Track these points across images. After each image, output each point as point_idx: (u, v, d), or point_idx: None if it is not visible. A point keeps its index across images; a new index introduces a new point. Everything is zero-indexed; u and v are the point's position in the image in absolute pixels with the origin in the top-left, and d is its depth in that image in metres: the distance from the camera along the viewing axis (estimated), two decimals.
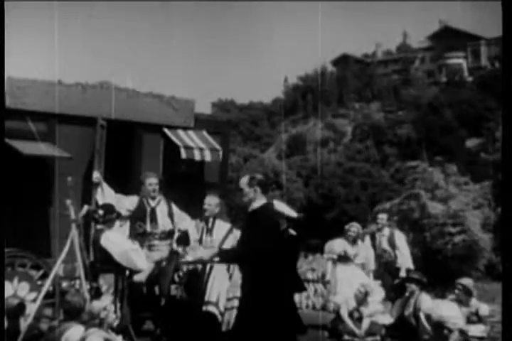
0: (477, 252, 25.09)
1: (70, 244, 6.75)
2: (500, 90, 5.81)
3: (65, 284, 7.02)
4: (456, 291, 8.27)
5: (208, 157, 8.97)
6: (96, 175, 7.80)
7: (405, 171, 32.16)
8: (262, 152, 56.25)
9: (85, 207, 6.94)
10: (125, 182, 8.26)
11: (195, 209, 8.25)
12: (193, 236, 7.49)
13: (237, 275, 7.22)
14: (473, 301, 8.37)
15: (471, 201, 26.64)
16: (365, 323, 8.36)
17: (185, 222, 7.68)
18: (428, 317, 7.62)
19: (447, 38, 63.33)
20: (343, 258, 9.18)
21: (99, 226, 6.75)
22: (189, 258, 6.83)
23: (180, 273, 7.34)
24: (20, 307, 6.61)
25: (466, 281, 8.55)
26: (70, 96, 8.00)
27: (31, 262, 6.99)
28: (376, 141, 51.70)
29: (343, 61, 67.75)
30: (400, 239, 9.58)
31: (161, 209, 7.56)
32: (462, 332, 7.32)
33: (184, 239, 7.47)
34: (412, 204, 25.93)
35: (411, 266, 9.37)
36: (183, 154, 8.70)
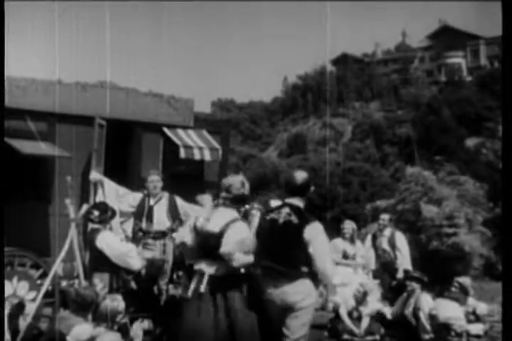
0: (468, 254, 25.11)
1: (70, 243, 6.76)
2: (500, 89, 5.81)
3: (64, 283, 7.01)
4: (453, 289, 8.26)
5: (207, 156, 8.96)
6: (92, 175, 7.78)
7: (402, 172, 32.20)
8: (262, 151, 56.27)
9: (84, 207, 6.93)
10: (124, 181, 8.25)
11: None
12: None
13: None
14: (471, 300, 8.36)
15: (465, 201, 26.64)
16: (365, 322, 8.35)
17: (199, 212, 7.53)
18: (432, 317, 7.61)
19: (446, 38, 63.34)
20: (343, 258, 9.17)
21: (95, 226, 6.74)
22: None
23: (180, 273, 7.32)
24: (20, 307, 6.61)
25: (463, 280, 8.54)
26: (69, 95, 7.99)
27: (31, 261, 6.99)
28: (376, 141, 51.72)
29: (342, 60, 67.75)
30: (401, 239, 9.58)
31: (160, 207, 7.50)
32: (467, 334, 7.34)
33: None
34: (406, 207, 25.94)
35: (409, 267, 9.37)
36: (183, 154, 8.70)
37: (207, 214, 5.19)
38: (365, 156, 49.37)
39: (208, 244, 4.99)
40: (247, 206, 7.10)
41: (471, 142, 47.88)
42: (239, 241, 4.93)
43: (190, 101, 9.17)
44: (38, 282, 6.92)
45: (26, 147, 7.36)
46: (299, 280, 4.91)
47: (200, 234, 5.07)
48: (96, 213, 6.72)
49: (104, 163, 8.19)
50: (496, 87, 45.48)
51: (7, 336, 5.76)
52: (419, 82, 61.56)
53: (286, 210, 5.06)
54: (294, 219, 4.98)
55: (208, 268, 4.99)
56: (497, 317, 8.18)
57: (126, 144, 8.75)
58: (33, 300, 6.72)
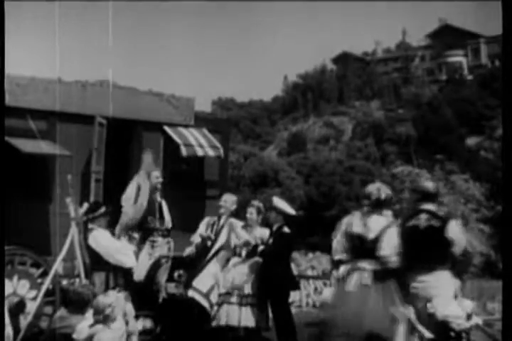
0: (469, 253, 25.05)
1: (70, 242, 6.76)
2: (501, 88, 5.81)
3: (64, 282, 7.01)
4: None
5: (210, 152, 8.94)
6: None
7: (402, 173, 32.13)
8: (262, 150, 56.29)
9: (85, 205, 6.94)
10: (125, 180, 8.25)
11: (195, 207, 8.25)
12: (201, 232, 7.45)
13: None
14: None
15: (461, 198, 26.63)
16: None
17: None
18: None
19: (447, 36, 63.28)
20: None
21: (90, 226, 6.76)
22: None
23: (181, 271, 7.33)
24: (20, 306, 6.62)
25: None
26: (69, 94, 7.98)
27: (31, 260, 6.99)
28: (376, 139, 51.72)
29: (343, 59, 67.73)
30: None
31: (165, 205, 7.55)
32: (466, 333, 7.30)
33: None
34: (404, 205, 25.94)
35: None
36: (184, 152, 8.67)
37: (360, 220, 5.83)
38: (366, 155, 49.39)
39: (364, 246, 5.70)
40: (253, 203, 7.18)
41: (471, 141, 47.89)
42: (395, 245, 5.66)
43: (191, 100, 9.17)
44: (39, 281, 6.92)
45: (27, 146, 7.36)
46: (441, 275, 5.89)
47: (355, 237, 5.77)
48: (84, 217, 6.75)
49: (104, 161, 8.19)
50: (496, 85, 45.46)
51: (10, 332, 5.78)
52: (420, 81, 61.50)
53: (424, 216, 5.85)
54: (435, 222, 5.81)
55: (365, 265, 5.68)
56: (498, 316, 8.17)
57: (126, 143, 8.75)
58: (34, 298, 6.73)
